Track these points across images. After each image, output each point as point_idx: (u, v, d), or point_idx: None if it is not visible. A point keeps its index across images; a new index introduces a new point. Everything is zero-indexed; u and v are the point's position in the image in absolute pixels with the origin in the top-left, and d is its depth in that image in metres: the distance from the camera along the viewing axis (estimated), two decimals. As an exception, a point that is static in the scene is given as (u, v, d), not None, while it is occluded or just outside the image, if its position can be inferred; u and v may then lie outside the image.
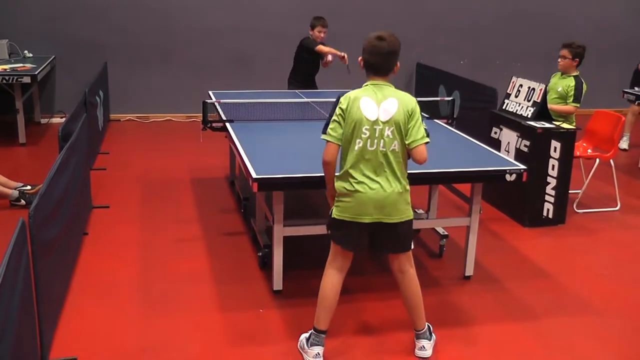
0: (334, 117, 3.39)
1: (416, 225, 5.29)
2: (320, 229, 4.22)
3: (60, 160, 4.10)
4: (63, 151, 4.33)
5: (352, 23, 9.21)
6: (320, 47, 6.77)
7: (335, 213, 3.49)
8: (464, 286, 4.54)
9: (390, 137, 3.35)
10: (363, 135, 3.34)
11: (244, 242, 5.12)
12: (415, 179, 4.26)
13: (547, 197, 5.60)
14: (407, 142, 3.37)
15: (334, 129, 3.38)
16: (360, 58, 3.45)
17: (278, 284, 4.26)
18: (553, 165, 5.54)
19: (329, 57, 6.80)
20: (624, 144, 8.27)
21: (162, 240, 5.12)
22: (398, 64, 3.44)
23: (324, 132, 3.42)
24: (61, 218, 4.00)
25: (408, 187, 3.48)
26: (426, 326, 3.68)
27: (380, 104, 3.35)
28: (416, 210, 5.66)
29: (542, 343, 3.86)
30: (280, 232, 4.15)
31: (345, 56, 6.67)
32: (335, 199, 3.49)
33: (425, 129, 3.41)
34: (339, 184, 3.46)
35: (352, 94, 3.40)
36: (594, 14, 10.18)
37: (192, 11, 9.02)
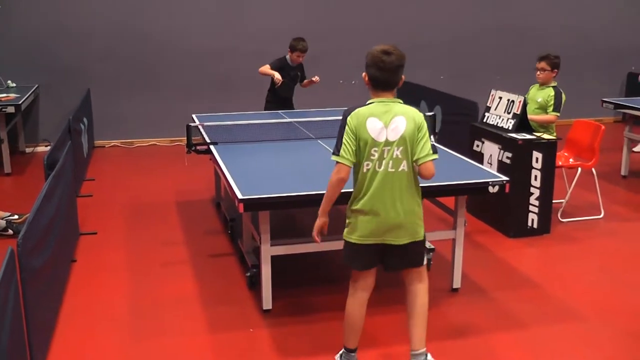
0: (345, 137, 3.26)
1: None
2: (307, 247, 4.26)
3: (46, 189, 4.11)
4: (49, 179, 4.35)
5: (329, 41, 9.29)
6: (261, 69, 6.97)
7: (345, 235, 3.43)
8: (452, 298, 4.57)
9: (400, 157, 3.27)
10: (372, 157, 3.26)
11: (231, 263, 5.13)
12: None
13: (531, 208, 5.66)
14: (413, 159, 3.29)
15: (346, 151, 3.25)
16: (364, 74, 3.32)
17: (267, 303, 4.28)
18: (535, 176, 5.61)
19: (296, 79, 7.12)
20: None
21: (150, 264, 5.13)
22: (403, 77, 3.35)
23: (335, 153, 3.28)
24: (49, 246, 4.01)
25: (419, 206, 3.40)
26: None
27: (388, 123, 3.25)
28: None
29: (532, 352, 3.90)
30: (268, 251, 4.17)
31: (276, 76, 6.84)
32: (347, 221, 3.42)
33: (432, 144, 3.31)
34: (349, 206, 3.39)
35: (359, 111, 3.27)
36: (572, 24, 10.31)
37: (173, 36, 9.07)
